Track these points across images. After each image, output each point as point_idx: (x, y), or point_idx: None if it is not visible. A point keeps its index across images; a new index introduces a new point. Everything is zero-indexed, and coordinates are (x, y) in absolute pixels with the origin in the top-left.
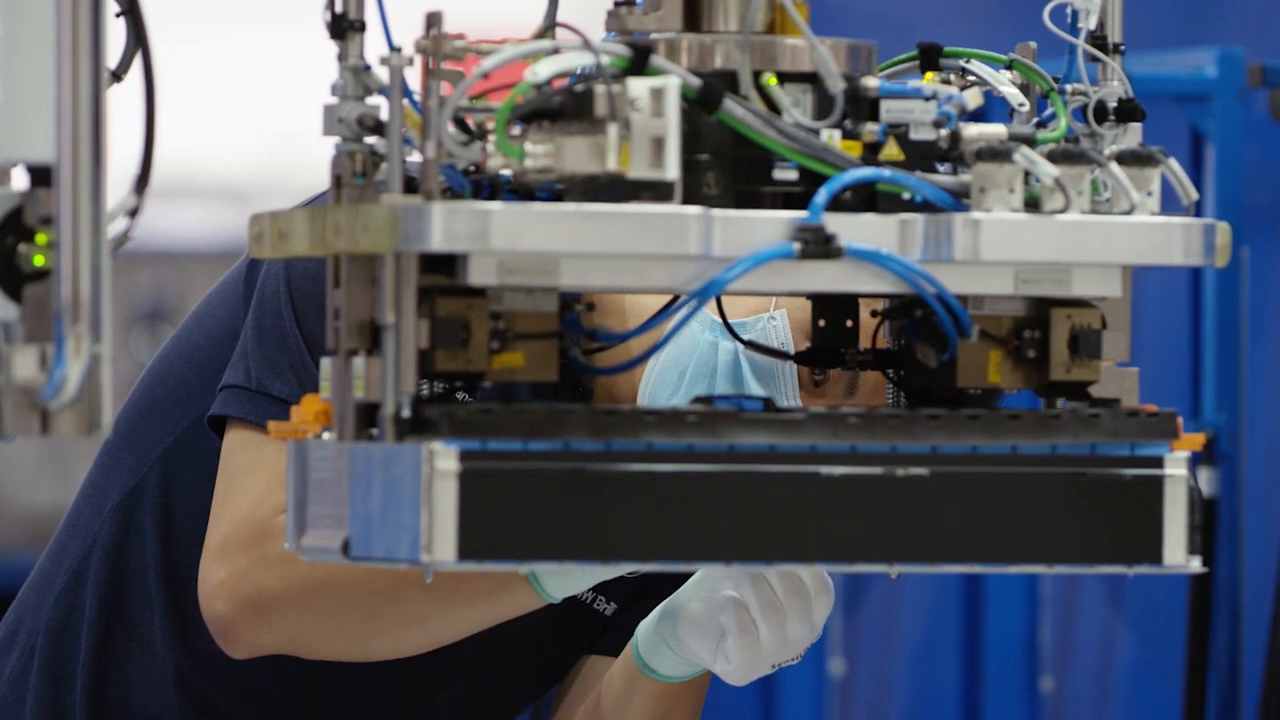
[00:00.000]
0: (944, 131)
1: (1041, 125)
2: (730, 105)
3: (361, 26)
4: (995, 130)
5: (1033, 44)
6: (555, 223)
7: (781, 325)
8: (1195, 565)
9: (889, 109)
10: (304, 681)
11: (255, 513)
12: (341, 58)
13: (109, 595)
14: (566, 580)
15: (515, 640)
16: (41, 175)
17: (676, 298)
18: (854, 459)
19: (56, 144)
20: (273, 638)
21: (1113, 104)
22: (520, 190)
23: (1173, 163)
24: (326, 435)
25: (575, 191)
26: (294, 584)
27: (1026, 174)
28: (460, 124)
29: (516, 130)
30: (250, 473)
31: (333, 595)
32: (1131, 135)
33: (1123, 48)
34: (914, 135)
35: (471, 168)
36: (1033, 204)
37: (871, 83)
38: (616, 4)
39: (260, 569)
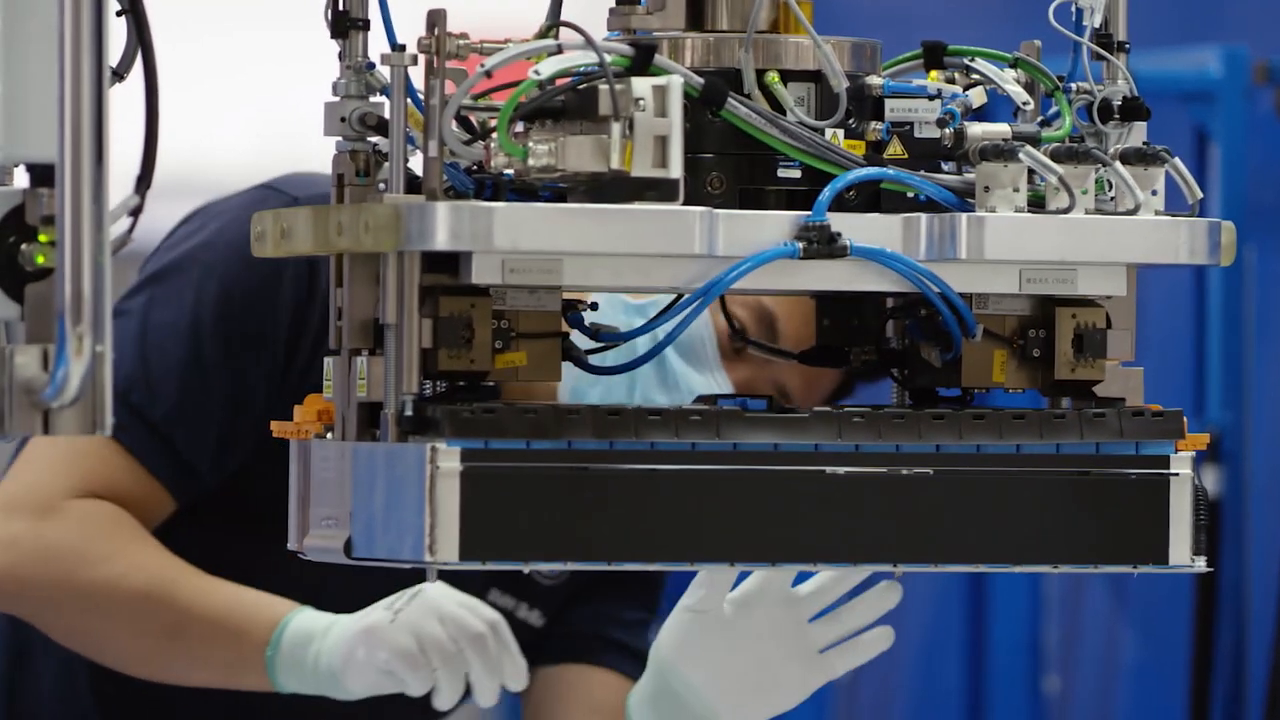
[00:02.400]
0: (948, 130)
1: (1046, 124)
2: (734, 104)
3: (364, 25)
4: (999, 129)
5: (1037, 42)
6: (558, 222)
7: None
8: (1200, 565)
9: (893, 107)
10: (227, 697)
11: (42, 485)
12: (344, 56)
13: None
14: (300, 680)
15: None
16: (43, 174)
17: (680, 297)
18: (858, 458)
19: (58, 143)
20: (17, 611)
21: (1117, 102)
22: (523, 189)
23: (1177, 162)
24: (329, 435)
25: (578, 190)
26: (45, 574)
27: (1031, 173)
28: (463, 123)
29: (519, 129)
30: (51, 444)
31: (75, 601)
32: (1136, 134)
33: (1127, 46)
34: (918, 134)
35: (474, 167)
36: (1037, 203)
37: (876, 81)
38: (620, 2)
39: (22, 547)
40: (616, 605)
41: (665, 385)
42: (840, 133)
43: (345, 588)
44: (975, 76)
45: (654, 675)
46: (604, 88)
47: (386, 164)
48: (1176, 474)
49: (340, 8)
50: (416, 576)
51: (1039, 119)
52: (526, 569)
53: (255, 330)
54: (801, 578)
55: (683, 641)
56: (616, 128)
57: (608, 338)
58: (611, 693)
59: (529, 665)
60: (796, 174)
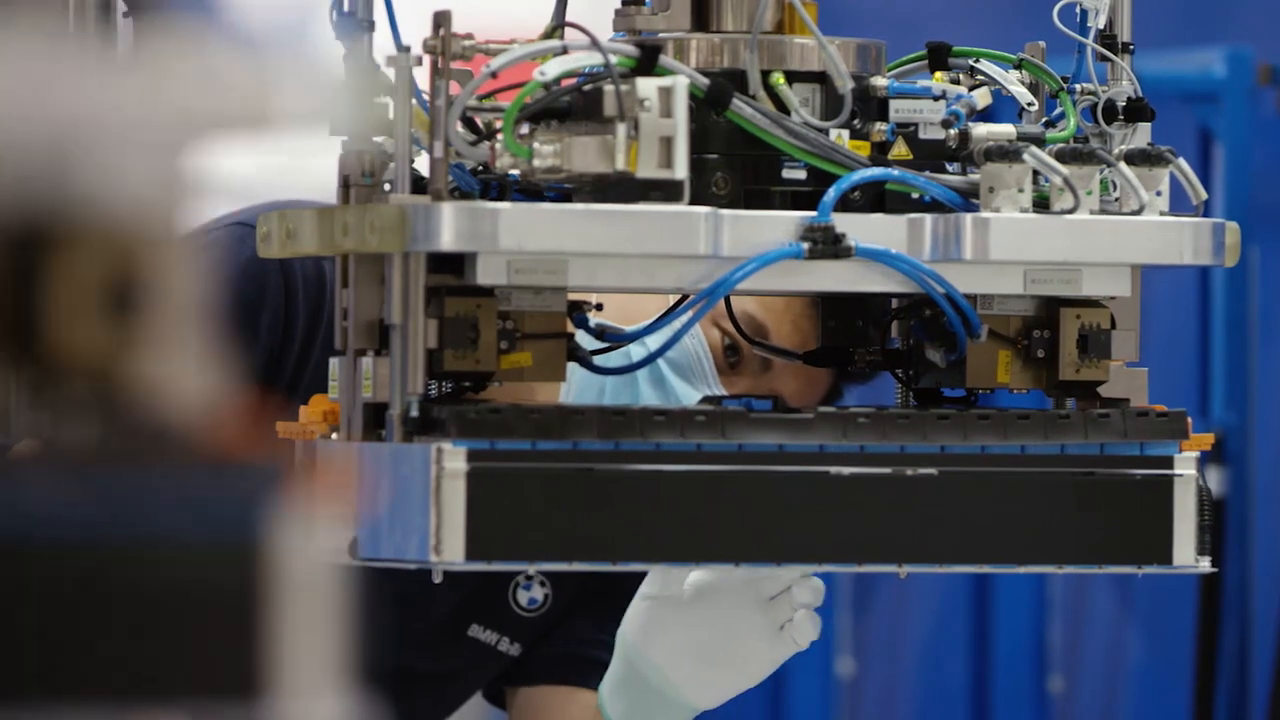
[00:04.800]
0: (953, 131)
1: (1050, 125)
2: (739, 105)
3: (369, 26)
4: (1004, 130)
5: (1042, 43)
6: (564, 223)
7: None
8: (1205, 565)
9: (898, 108)
10: None
11: None
12: (349, 57)
13: None
14: None
15: (408, 677)
16: None
17: (685, 297)
18: (863, 459)
19: None
20: None
21: (1122, 103)
22: (528, 190)
23: (1182, 162)
24: (334, 435)
25: (584, 191)
26: None
27: (1035, 173)
28: (468, 123)
29: (525, 130)
30: None
31: None
32: (1141, 135)
33: (1132, 47)
34: (923, 135)
35: (480, 167)
36: (1042, 203)
37: (880, 82)
38: (625, 4)
39: None
40: (596, 627)
41: (667, 404)
42: (845, 133)
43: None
44: (980, 77)
45: (621, 661)
46: (609, 88)
47: (392, 165)
48: (1181, 474)
49: (346, 8)
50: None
51: (1044, 120)
52: (532, 569)
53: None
54: None
55: (646, 626)
56: (622, 128)
57: (613, 338)
58: (594, 713)
59: (507, 688)
60: (801, 175)
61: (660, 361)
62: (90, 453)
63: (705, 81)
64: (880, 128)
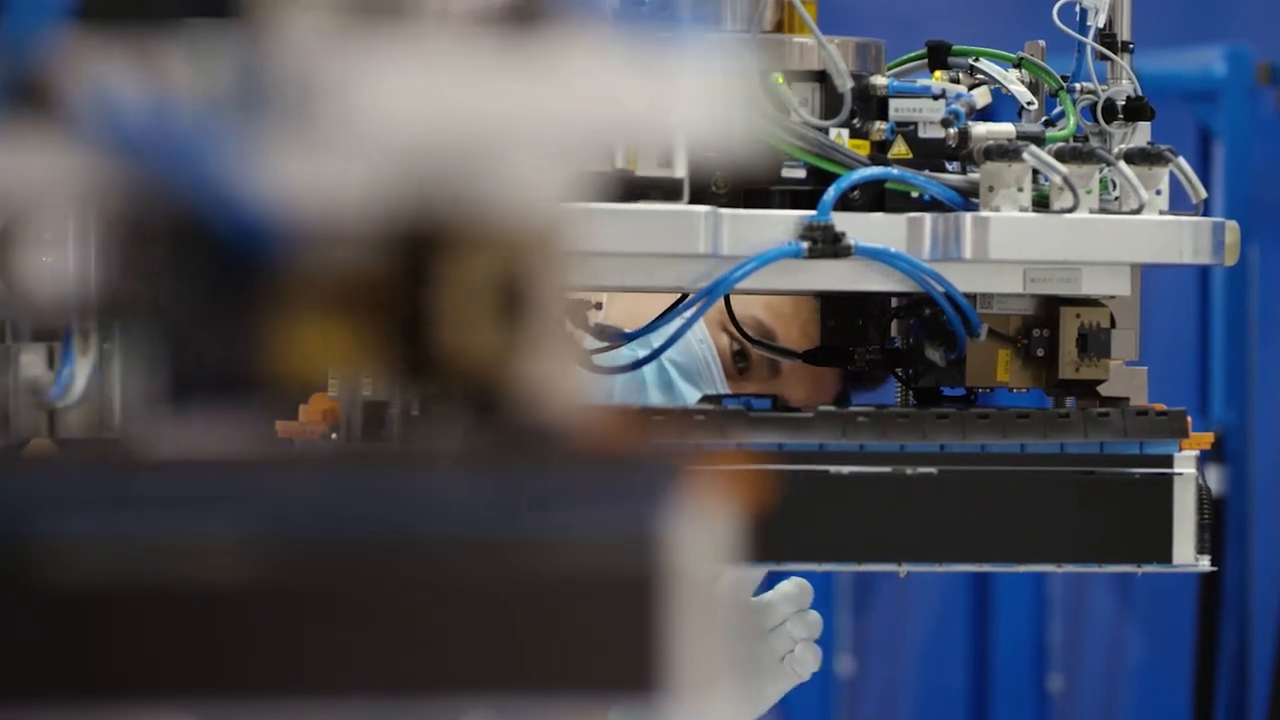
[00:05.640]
0: (952, 130)
1: (1050, 124)
2: None
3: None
4: (1004, 129)
5: (1041, 42)
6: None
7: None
8: (1204, 564)
9: (897, 107)
10: None
11: None
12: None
13: None
14: None
15: None
16: None
17: (684, 297)
18: (863, 458)
19: None
20: None
21: (1121, 102)
22: None
23: (1181, 161)
24: (334, 435)
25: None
26: None
27: (1035, 172)
28: None
29: None
30: None
31: None
32: (1140, 134)
33: (1131, 46)
34: (922, 134)
35: None
36: (1041, 203)
37: (880, 81)
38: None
39: None
40: None
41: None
42: (845, 132)
43: None
44: (979, 76)
45: None
46: None
47: None
48: (1180, 473)
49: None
50: None
51: (1043, 119)
52: None
53: None
54: (763, 587)
55: None
56: None
57: (613, 338)
58: None
59: None
60: (801, 174)
61: (668, 366)
62: (483, 452)
63: None
64: (880, 127)
